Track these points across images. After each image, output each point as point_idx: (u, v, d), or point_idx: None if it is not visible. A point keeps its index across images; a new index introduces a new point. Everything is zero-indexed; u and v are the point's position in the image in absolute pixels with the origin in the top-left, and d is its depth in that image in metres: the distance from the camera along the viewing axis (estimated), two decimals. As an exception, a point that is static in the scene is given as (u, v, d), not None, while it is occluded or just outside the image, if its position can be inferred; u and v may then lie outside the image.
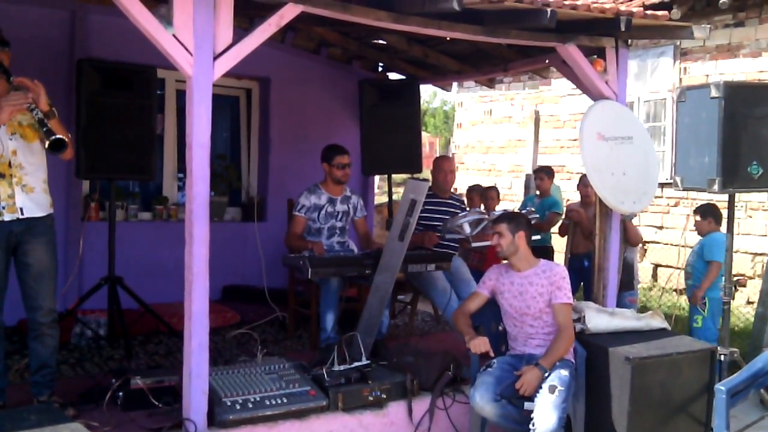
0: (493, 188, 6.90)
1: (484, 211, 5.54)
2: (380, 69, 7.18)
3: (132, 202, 6.12)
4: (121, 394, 3.51)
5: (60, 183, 5.02)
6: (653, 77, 8.93)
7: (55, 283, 3.52)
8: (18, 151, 3.34)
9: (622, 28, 4.11)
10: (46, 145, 3.24)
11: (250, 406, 3.40)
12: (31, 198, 3.37)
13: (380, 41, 6.32)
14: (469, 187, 7.20)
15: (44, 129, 3.23)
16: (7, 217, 3.30)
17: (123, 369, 3.94)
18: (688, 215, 5.73)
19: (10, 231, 3.32)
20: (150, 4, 3.10)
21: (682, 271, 5.60)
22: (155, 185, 6.30)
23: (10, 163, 3.30)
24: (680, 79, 8.63)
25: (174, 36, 3.11)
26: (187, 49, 3.16)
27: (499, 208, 6.43)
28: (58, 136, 3.22)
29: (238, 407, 3.37)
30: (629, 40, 4.74)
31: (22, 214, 3.32)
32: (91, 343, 4.79)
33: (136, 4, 3.02)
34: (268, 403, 3.45)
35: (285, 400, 3.50)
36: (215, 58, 3.23)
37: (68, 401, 3.53)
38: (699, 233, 5.33)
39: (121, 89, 4.91)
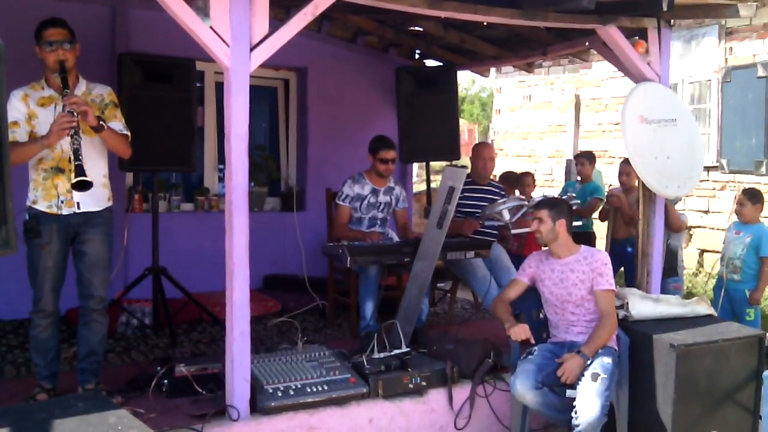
0: (529, 174, 6.76)
1: (523, 197, 5.48)
2: (417, 56, 7.13)
3: (174, 194, 6.22)
4: (166, 381, 3.57)
5: (104, 176, 5.13)
6: (697, 58, 8.69)
7: (109, 273, 3.60)
8: None
9: (664, 8, 4.01)
10: (71, 184, 3.19)
11: (292, 393, 3.44)
12: (88, 192, 3.31)
13: (417, 28, 6.28)
14: (501, 174, 7.07)
15: (76, 163, 3.16)
16: (65, 211, 3.39)
17: (168, 357, 4.00)
18: (736, 198, 5.45)
19: (68, 223, 3.41)
20: (187, -3, 3.13)
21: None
22: (196, 177, 6.39)
23: (69, 158, 3.32)
24: (725, 60, 8.35)
25: (211, 28, 3.14)
26: (224, 41, 3.18)
27: (537, 194, 6.34)
28: (81, 178, 3.11)
29: (279, 394, 3.41)
30: (672, 20, 4.63)
31: (79, 208, 3.40)
32: (137, 331, 4.90)
33: (174, -4, 3.05)
34: (309, 390, 3.48)
35: (326, 388, 3.53)
36: (252, 48, 3.25)
37: (114, 389, 3.61)
38: (743, 220, 5.00)
39: (162, 82, 4.98)
